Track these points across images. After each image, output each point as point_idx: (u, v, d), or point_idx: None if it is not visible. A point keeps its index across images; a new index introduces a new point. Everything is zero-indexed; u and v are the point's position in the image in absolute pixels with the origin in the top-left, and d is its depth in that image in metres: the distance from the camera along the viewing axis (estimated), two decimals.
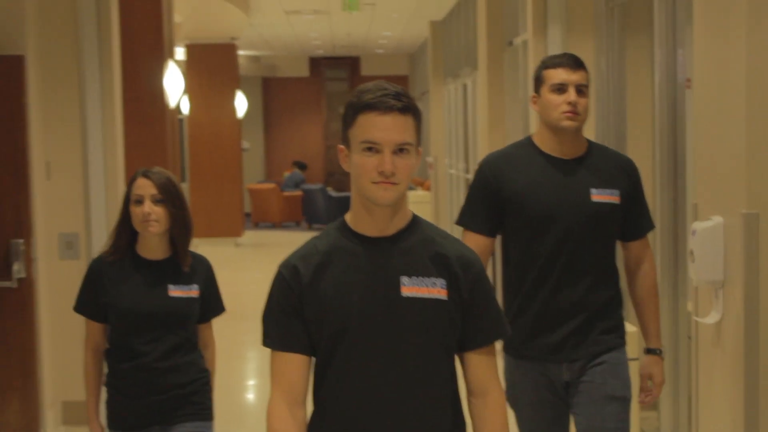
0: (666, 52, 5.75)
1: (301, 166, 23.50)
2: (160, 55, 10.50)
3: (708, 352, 4.34)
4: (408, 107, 2.68)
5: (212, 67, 17.92)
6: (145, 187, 3.92)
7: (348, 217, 2.79)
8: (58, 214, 6.90)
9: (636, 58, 6.55)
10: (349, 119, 2.70)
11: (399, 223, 2.75)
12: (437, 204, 16.85)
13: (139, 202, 3.91)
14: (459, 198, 14.21)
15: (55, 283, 6.57)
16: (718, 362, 4.23)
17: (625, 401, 4.01)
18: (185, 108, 17.71)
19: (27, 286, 6.48)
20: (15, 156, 6.38)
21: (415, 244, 2.75)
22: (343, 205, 21.03)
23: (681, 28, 5.61)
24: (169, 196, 3.92)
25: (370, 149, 2.65)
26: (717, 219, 4.11)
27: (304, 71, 25.92)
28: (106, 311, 4.01)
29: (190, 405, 4.04)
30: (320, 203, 21.38)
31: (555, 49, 7.48)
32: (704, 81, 4.47)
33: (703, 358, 4.40)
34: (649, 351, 4.10)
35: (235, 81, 18.34)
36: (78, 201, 7.01)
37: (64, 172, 6.92)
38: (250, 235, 20.00)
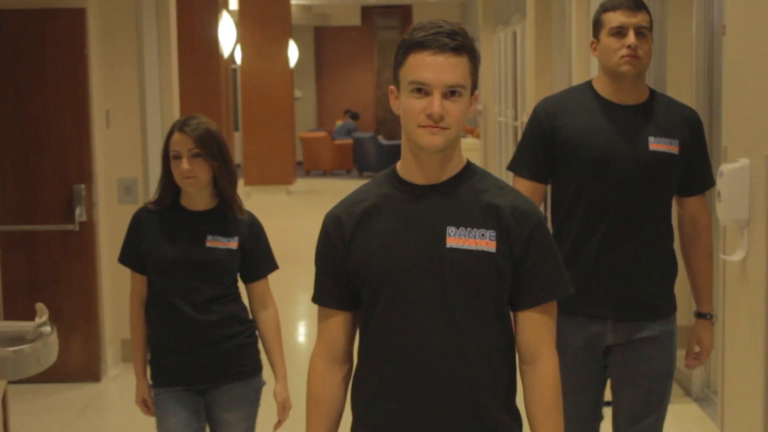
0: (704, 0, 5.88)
1: (354, 116, 23.68)
2: (215, 5, 10.73)
3: (734, 288, 4.55)
4: (463, 47, 2.47)
5: (265, 16, 18.08)
6: (181, 142, 3.74)
7: (399, 164, 2.61)
8: (117, 161, 7.18)
9: (677, 5, 6.67)
10: (399, 58, 2.52)
11: (450, 171, 2.56)
12: (486, 152, 16.97)
13: (177, 157, 3.75)
14: (508, 146, 14.36)
15: (115, 226, 6.80)
16: (744, 297, 4.44)
17: (670, 377, 3.80)
18: (238, 58, 17.95)
19: (88, 229, 6.80)
20: (77, 105, 6.69)
21: (466, 193, 2.55)
22: (394, 153, 21.21)
23: None
24: (208, 148, 3.73)
25: (419, 90, 2.46)
26: (743, 161, 4.29)
27: (355, 20, 25.99)
28: (145, 260, 3.88)
29: (236, 364, 3.89)
30: (371, 151, 21.56)
31: None
32: (737, 28, 4.63)
33: (730, 293, 4.61)
34: (699, 315, 3.85)
35: (288, 31, 18.50)
36: (136, 148, 7.28)
37: (123, 120, 7.21)
38: (301, 183, 20.27)
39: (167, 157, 3.80)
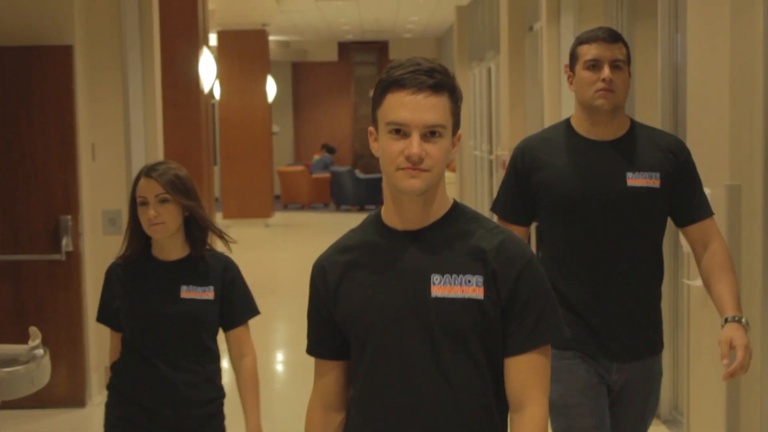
0: (668, 37, 6.13)
1: (330, 150, 23.92)
2: (195, 42, 10.94)
3: (697, 313, 4.77)
4: (442, 85, 2.36)
5: (243, 52, 18.32)
6: (148, 187, 3.56)
7: (383, 209, 2.50)
8: (102, 192, 7.37)
9: (643, 43, 6.91)
10: (377, 98, 2.40)
11: (434, 215, 2.44)
12: (462, 185, 17.22)
13: (144, 204, 3.57)
14: (483, 179, 14.60)
15: (100, 256, 6.99)
16: (707, 321, 4.66)
17: (653, 414, 3.78)
18: (217, 93, 18.17)
19: (74, 258, 6.97)
20: (63, 138, 6.89)
21: (452, 238, 2.42)
22: (372, 186, 21.45)
23: (682, 14, 5.99)
24: (176, 192, 3.55)
25: (397, 131, 2.34)
26: (705, 190, 4.51)
27: (333, 56, 26.29)
28: (118, 316, 3.68)
29: (204, 430, 3.66)
30: (348, 185, 21.78)
31: (568, 35, 7.85)
32: (696, 65, 4.88)
33: (694, 318, 4.83)
34: (726, 320, 3.46)
35: (266, 66, 18.74)
36: (120, 180, 7.46)
37: (108, 153, 7.41)
38: (279, 216, 20.46)
39: (134, 205, 3.61)
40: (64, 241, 6.88)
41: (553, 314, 2.43)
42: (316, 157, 23.86)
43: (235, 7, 17.37)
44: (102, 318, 3.76)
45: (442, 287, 2.39)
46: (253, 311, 3.77)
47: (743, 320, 3.45)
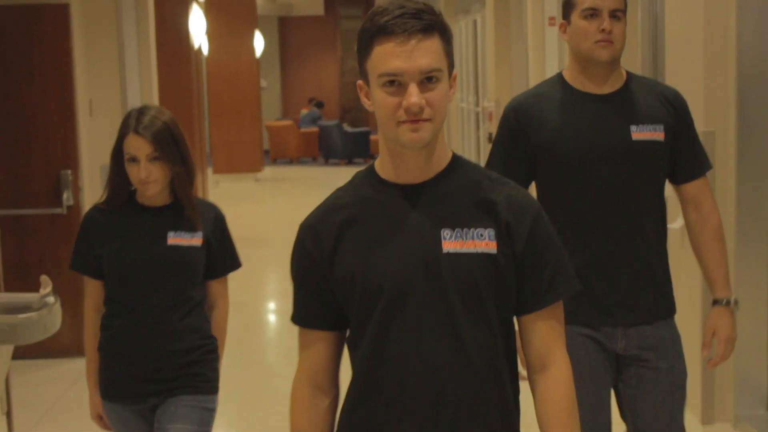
0: None
1: (319, 104, 24.05)
2: None
3: (675, 253, 5.01)
4: (432, 26, 2.17)
5: (231, 7, 18.41)
6: (137, 146, 3.35)
7: (377, 163, 2.31)
8: (100, 148, 7.51)
9: None
10: (363, 49, 2.21)
11: (436, 167, 2.26)
12: (450, 137, 17.41)
13: (134, 160, 3.37)
14: (470, 131, 14.80)
15: None
16: (683, 262, 4.90)
17: (685, 383, 3.48)
18: (205, 49, 18.28)
19: (75, 212, 7.18)
20: (62, 95, 7.07)
21: (458, 190, 2.25)
22: (360, 140, 21.63)
23: None
24: (167, 148, 3.38)
25: (391, 83, 2.16)
26: None
27: (319, 10, 26.30)
28: (100, 263, 3.50)
29: (189, 376, 3.51)
30: (336, 139, 21.95)
31: None
32: (673, 16, 5.09)
33: (672, 257, 5.06)
34: (715, 302, 3.46)
35: (253, 21, 18.83)
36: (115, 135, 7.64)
37: (105, 109, 7.62)
38: (269, 171, 20.65)
39: (119, 157, 3.43)
40: (64, 196, 7.08)
41: (566, 266, 2.31)
42: (304, 111, 23.99)
43: None
44: (77, 265, 3.60)
45: (453, 242, 2.21)
46: (236, 264, 3.67)
47: (732, 301, 3.44)
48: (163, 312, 3.45)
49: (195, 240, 3.49)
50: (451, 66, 2.23)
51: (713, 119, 4.57)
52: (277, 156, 22.74)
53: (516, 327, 2.33)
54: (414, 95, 2.15)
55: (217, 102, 18.58)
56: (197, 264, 3.51)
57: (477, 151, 14.16)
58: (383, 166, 2.29)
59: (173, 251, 3.46)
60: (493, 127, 11.81)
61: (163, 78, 9.96)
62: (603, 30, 3.29)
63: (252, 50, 18.74)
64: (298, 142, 22.63)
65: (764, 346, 4.92)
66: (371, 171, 2.31)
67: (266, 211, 15.56)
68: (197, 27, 11.72)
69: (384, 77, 2.17)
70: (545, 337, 2.29)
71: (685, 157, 3.42)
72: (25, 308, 4.41)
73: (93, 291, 3.61)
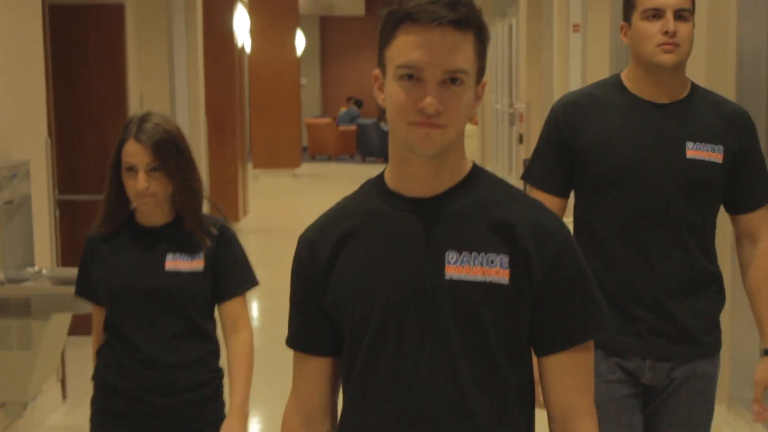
0: None
1: (358, 103, 24.47)
2: None
3: None
4: (467, 20, 1.89)
5: (274, 7, 18.79)
6: (137, 153, 3.07)
7: (387, 171, 2.06)
8: None
9: None
10: (385, 34, 1.94)
11: (450, 179, 1.99)
12: (484, 139, 17.79)
13: (132, 170, 3.09)
14: (504, 132, 15.19)
15: None
16: None
17: (709, 426, 3.22)
18: (248, 46, 18.75)
19: None
20: (116, 89, 7.64)
21: (470, 207, 1.97)
22: None
23: None
24: (168, 158, 3.08)
25: (409, 77, 1.89)
26: None
27: (360, 10, 26.67)
28: (99, 290, 3.21)
29: (198, 417, 3.23)
30: (374, 137, 22.36)
31: None
32: None
33: None
34: (765, 353, 3.16)
35: (295, 20, 19.23)
36: None
37: (155, 102, 8.17)
38: (306, 167, 21.07)
39: (117, 167, 3.14)
40: None
41: (596, 301, 2.00)
42: (343, 109, 24.43)
43: None
44: (81, 291, 3.31)
45: (458, 267, 1.94)
46: (251, 281, 3.29)
47: None
48: (164, 343, 3.16)
49: (196, 263, 3.17)
50: (481, 71, 1.97)
51: None
52: (316, 153, 23.18)
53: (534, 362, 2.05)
54: (431, 95, 1.88)
55: (258, 99, 19.00)
56: (199, 290, 3.18)
57: (509, 152, 14.55)
58: (392, 175, 2.03)
59: (171, 277, 3.15)
60: (523, 128, 12.20)
61: (208, 75, 10.43)
62: (666, 32, 2.99)
63: (293, 49, 19.14)
64: (337, 139, 23.06)
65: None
66: (381, 179, 2.06)
67: (303, 205, 15.99)
68: (241, 26, 12.17)
69: (402, 69, 1.90)
70: (568, 383, 1.99)
71: (744, 186, 3.12)
72: None
73: (97, 319, 3.28)
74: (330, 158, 23.25)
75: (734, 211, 3.17)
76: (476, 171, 2.03)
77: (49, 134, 5.98)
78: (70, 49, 7.54)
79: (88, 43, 7.56)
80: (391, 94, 1.93)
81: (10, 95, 5.39)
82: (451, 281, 1.93)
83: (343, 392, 2.09)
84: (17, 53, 5.51)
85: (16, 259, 5.29)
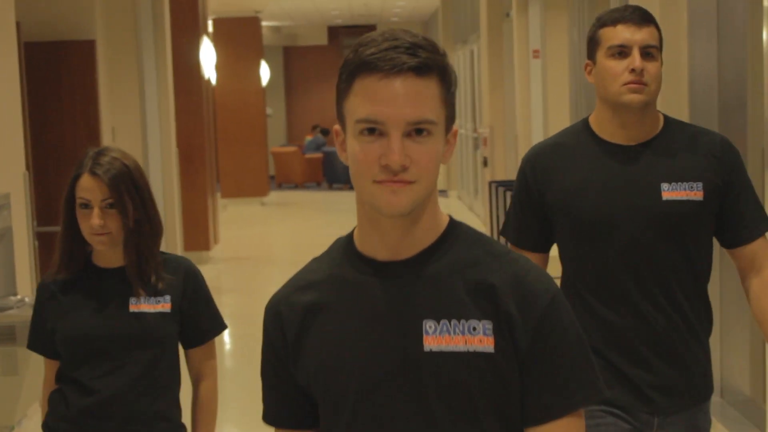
0: None
1: (324, 131, 24.71)
2: (197, 31, 11.75)
3: None
4: (428, 65, 1.74)
5: (238, 39, 19.00)
6: (91, 188, 2.88)
7: (355, 232, 1.89)
8: None
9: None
10: (343, 87, 1.79)
11: (424, 239, 1.83)
12: (449, 163, 17.95)
13: (86, 206, 2.89)
14: (468, 156, 15.45)
15: None
16: None
17: None
18: (213, 78, 18.92)
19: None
20: (88, 122, 7.83)
21: (448, 270, 1.82)
22: None
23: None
24: (125, 195, 2.89)
25: (370, 131, 1.74)
26: None
27: (322, 39, 27.00)
28: (53, 340, 3.00)
29: None
30: (340, 165, 22.51)
31: (536, 21, 8.66)
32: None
33: None
34: None
35: (259, 52, 19.45)
36: (138, 160, 8.34)
37: (127, 135, 8.36)
38: (274, 195, 21.22)
39: (71, 205, 2.93)
40: None
41: (587, 367, 1.83)
42: (309, 137, 24.65)
43: None
44: (33, 344, 3.09)
45: (437, 338, 1.79)
46: (220, 326, 3.13)
47: None
48: (126, 394, 2.94)
49: (162, 306, 2.97)
50: (450, 119, 1.80)
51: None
52: (283, 181, 23.36)
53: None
54: (396, 150, 1.71)
55: (225, 130, 19.17)
56: (166, 335, 2.99)
57: (474, 175, 14.80)
58: (361, 237, 1.86)
59: (136, 320, 2.94)
60: (487, 152, 12.45)
61: (177, 108, 10.62)
62: (633, 70, 2.85)
63: (258, 79, 19.34)
64: (303, 167, 23.27)
65: (748, 319, 5.07)
66: (350, 241, 1.89)
67: (272, 232, 16.19)
68: (208, 59, 12.36)
69: (362, 123, 1.74)
70: None
71: (736, 219, 2.96)
72: None
73: (49, 374, 3.07)
74: (297, 186, 23.45)
75: (730, 245, 3.00)
76: (453, 227, 1.86)
77: (27, 168, 6.15)
78: (44, 84, 7.74)
79: (60, 78, 7.76)
80: (353, 151, 1.76)
81: None
82: (431, 353, 1.78)
83: None
84: None
85: None
